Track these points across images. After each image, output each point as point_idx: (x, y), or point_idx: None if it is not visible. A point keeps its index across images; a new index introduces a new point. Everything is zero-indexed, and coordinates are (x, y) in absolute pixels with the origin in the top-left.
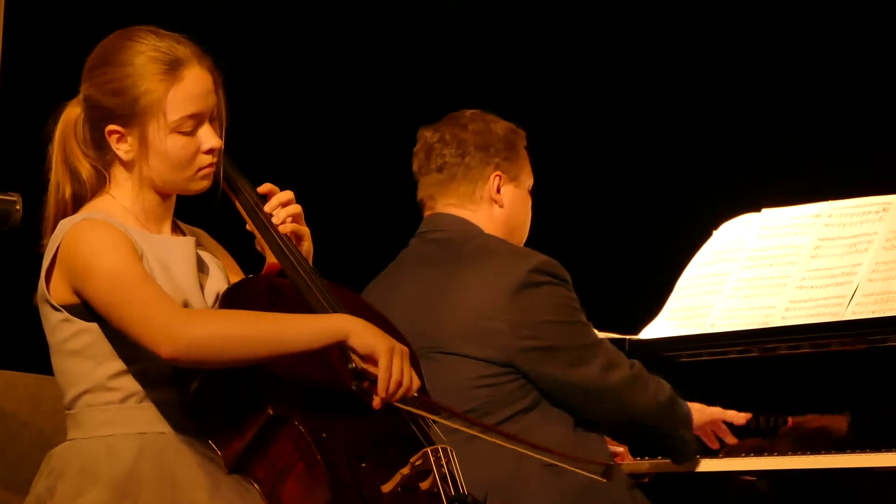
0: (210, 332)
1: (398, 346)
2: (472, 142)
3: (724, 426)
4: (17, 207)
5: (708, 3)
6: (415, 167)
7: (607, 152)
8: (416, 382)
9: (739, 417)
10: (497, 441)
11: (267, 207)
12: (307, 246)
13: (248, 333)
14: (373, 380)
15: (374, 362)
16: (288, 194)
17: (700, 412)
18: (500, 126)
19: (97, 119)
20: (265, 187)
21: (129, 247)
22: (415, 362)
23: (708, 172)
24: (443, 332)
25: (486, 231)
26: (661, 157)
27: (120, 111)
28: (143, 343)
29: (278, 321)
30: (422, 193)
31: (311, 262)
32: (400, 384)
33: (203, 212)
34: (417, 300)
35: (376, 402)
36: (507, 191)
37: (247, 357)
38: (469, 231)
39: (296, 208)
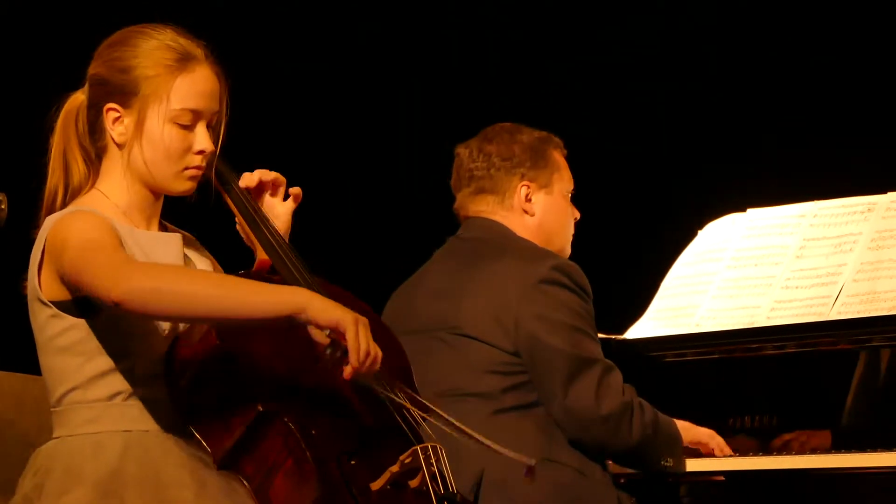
0: (155, 285)
1: (361, 317)
2: (496, 153)
3: (708, 447)
4: (2, 207)
5: (694, 1)
6: (451, 183)
7: (592, 152)
8: (380, 353)
9: (725, 451)
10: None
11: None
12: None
13: (192, 291)
14: (344, 350)
15: (339, 335)
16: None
17: (687, 431)
18: (527, 136)
19: (98, 97)
20: (250, 178)
21: (108, 227)
22: (395, 345)
23: (693, 172)
24: (461, 316)
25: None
26: (647, 157)
27: (123, 89)
28: (97, 293)
29: (230, 285)
30: (456, 205)
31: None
32: (368, 353)
33: (190, 215)
34: (442, 286)
35: (347, 371)
36: (538, 199)
37: (190, 313)
38: (499, 231)
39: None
